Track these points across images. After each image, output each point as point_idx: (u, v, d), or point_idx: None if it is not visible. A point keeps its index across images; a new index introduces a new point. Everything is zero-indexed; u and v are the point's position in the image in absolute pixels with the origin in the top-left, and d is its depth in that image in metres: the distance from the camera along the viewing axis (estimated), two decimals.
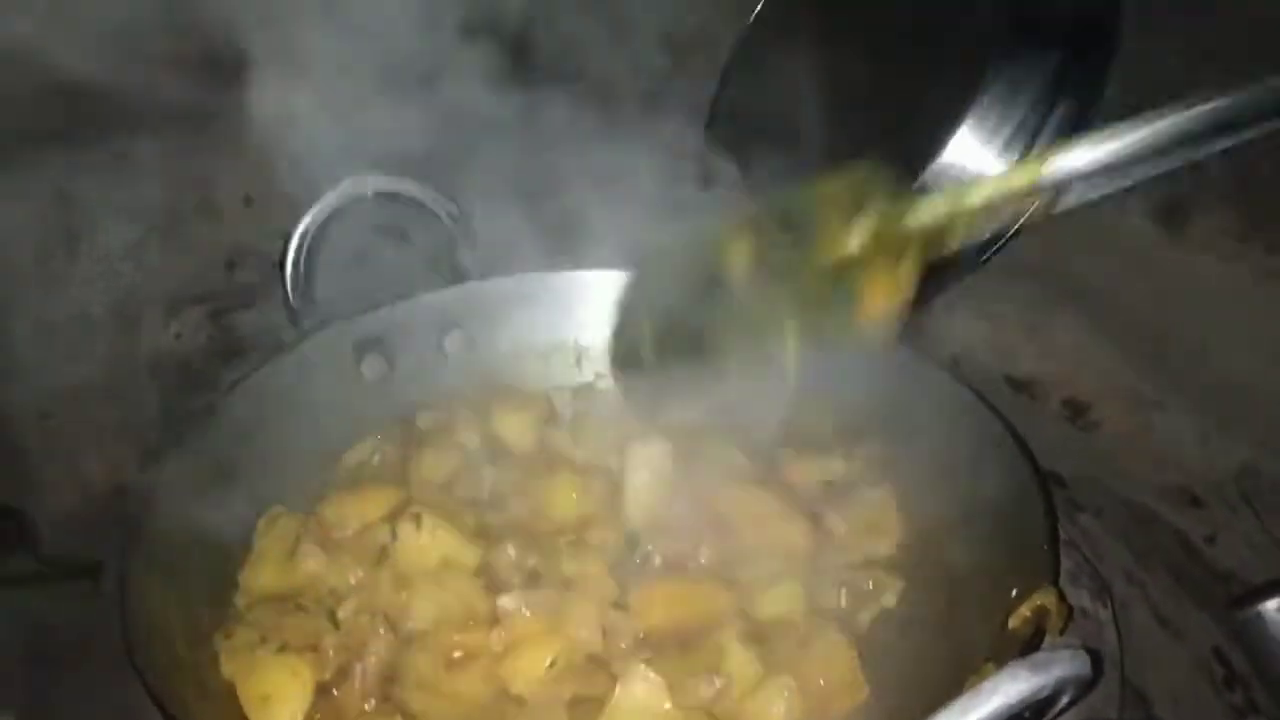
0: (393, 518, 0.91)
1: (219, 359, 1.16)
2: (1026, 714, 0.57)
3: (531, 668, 0.82)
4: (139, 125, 1.19)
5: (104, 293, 1.19)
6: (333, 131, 1.04)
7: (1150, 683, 0.90)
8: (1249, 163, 0.97)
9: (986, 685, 0.57)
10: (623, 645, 0.84)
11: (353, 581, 0.89)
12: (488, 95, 1.09)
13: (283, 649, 0.83)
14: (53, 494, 1.11)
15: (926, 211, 0.70)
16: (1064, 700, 0.59)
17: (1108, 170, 0.64)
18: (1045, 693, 0.57)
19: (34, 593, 1.03)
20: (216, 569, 0.90)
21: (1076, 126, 1.02)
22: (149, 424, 1.13)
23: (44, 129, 1.15)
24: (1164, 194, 1.00)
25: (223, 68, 1.07)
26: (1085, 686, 0.59)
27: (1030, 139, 1.04)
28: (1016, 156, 1.06)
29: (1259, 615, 0.77)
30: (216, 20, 1.05)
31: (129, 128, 1.19)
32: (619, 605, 0.86)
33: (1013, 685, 0.57)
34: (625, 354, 0.88)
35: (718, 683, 0.81)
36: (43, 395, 1.14)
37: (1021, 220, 1.07)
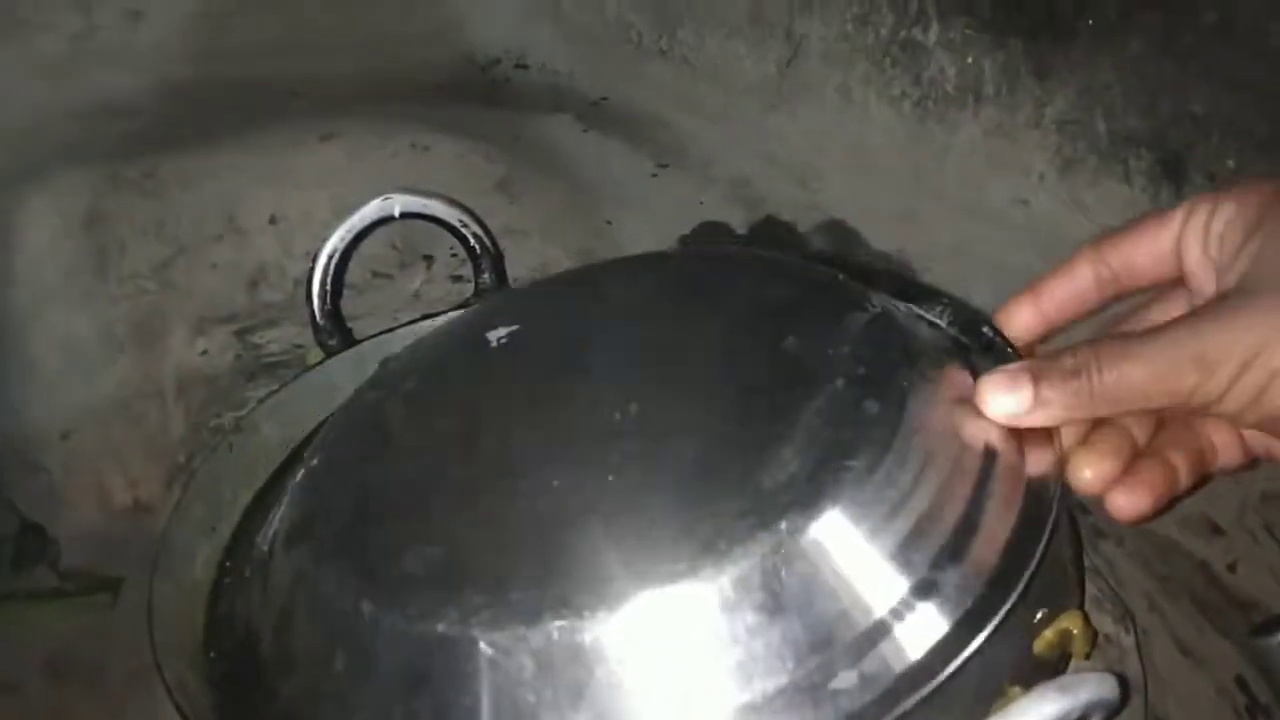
0: None
1: (244, 377, 1.16)
2: None
3: None
4: (167, 144, 1.21)
5: (130, 311, 1.20)
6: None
7: (1172, 711, 0.89)
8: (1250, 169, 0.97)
9: (1015, 708, 0.57)
10: None
11: None
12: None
13: None
14: (74, 510, 1.12)
15: None
16: None
17: None
18: (1074, 716, 0.57)
19: (54, 609, 1.04)
20: None
21: None
22: (174, 442, 1.14)
23: (75, 148, 1.16)
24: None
25: (254, 91, 1.09)
26: (1113, 710, 0.59)
27: None
28: None
29: None
30: (249, 45, 1.07)
31: (157, 147, 1.21)
32: None
33: (1041, 708, 0.56)
34: None
35: None
36: (67, 412, 1.15)
37: None
